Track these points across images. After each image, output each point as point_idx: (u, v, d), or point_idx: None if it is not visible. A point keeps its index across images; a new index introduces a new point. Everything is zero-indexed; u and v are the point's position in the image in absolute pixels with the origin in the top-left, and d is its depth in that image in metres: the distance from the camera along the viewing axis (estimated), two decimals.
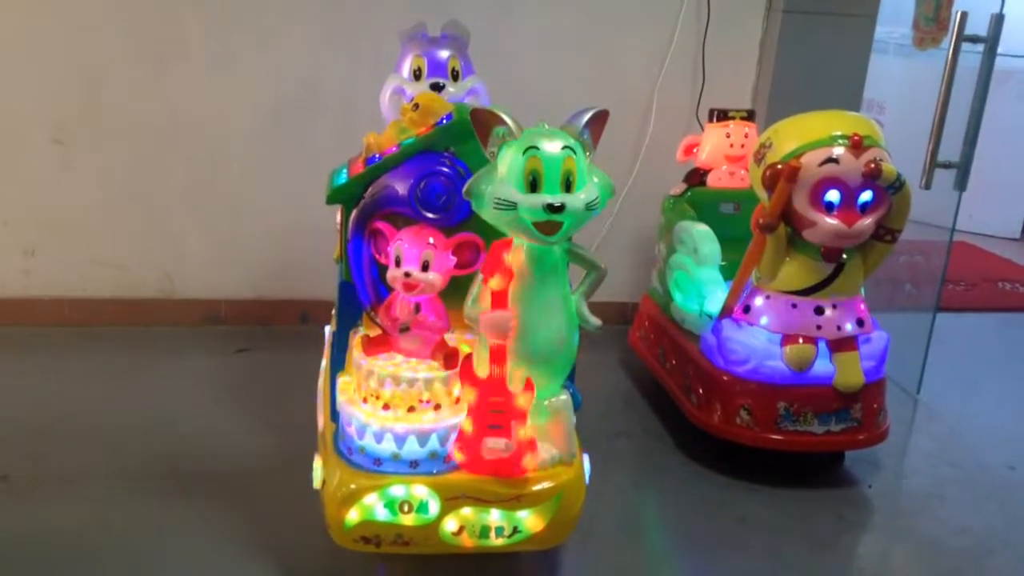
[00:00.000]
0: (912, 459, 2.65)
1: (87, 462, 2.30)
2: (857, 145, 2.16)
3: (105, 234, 3.06)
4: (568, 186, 1.66)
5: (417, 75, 2.33)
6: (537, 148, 1.64)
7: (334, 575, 1.96)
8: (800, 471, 2.44)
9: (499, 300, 1.70)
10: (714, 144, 2.85)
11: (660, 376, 2.72)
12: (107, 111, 2.97)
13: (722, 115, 2.86)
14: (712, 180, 2.85)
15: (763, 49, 3.26)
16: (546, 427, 1.82)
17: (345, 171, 1.90)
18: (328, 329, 2.54)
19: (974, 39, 2.79)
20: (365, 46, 3.01)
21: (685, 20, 3.18)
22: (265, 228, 3.13)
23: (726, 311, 2.39)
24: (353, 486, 1.75)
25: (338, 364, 1.91)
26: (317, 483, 1.87)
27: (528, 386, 1.74)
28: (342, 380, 1.87)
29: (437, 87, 2.30)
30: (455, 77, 2.34)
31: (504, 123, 1.67)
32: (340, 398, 1.82)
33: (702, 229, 2.58)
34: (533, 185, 1.64)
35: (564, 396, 1.85)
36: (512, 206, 1.65)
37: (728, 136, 2.83)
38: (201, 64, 2.97)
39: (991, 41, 2.79)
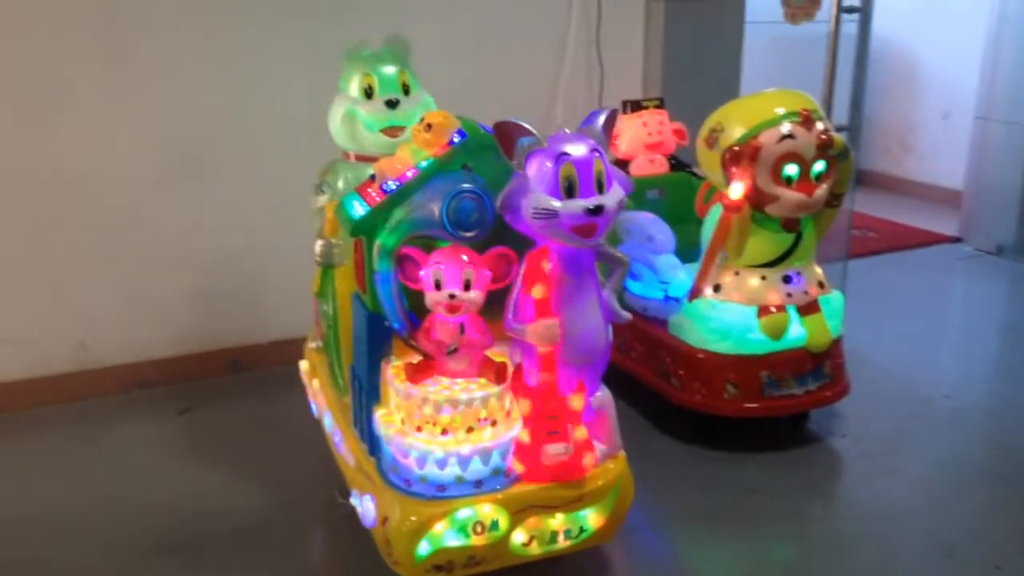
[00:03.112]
0: (864, 404, 2.79)
1: (82, 557, 2.08)
2: (807, 120, 2.29)
3: (3, 308, 2.74)
4: (600, 187, 1.68)
5: (368, 93, 2.25)
6: (568, 154, 1.67)
7: None
8: (773, 435, 2.55)
9: (542, 309, 1.71)
10: (632, 135, 2.91)
11: (626, 367, 2.75)
12: None
13: (636, 106, 2.93)
14: (634, 169, 2.91)
15: (648, 37, 3.37)
16: (593, 424, 1.84)
17: (357, 200, 1.81)
18: (303, 364, 2.41)
19: (851, 9, 3.01)
20: (266, 79, 2.88)
21: (577, 15, 3.24)
22: (180, 278, 2.90)
23: (696, 292, 2.46)
24: (415, 518, 1.72)
25: (372, 397, 1.82)
26: (370, 520, 1.81)
27: (579, 387, 1.75)
28: (380, 413, 1.80)
29: (391, 103, 2.23)
30: (406, 91, 2.28)
31: (530, 133, 1.70)
32: (386, 431, 1.76)
33: (651, 217, 2.64)
34: (569, 191, 1.66)
35: (605, 392, 1.89)
36: (553, 214, 1.65)
37: (645, 125, 2.90)
38: (90, 111, 2.71)
39: (866, 9, 3.02)
